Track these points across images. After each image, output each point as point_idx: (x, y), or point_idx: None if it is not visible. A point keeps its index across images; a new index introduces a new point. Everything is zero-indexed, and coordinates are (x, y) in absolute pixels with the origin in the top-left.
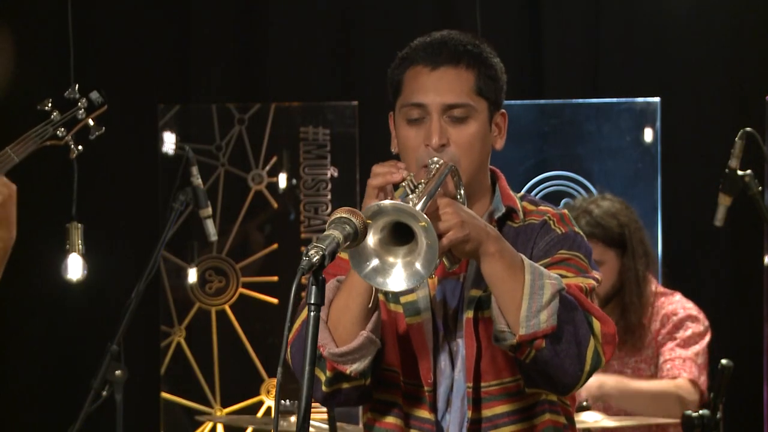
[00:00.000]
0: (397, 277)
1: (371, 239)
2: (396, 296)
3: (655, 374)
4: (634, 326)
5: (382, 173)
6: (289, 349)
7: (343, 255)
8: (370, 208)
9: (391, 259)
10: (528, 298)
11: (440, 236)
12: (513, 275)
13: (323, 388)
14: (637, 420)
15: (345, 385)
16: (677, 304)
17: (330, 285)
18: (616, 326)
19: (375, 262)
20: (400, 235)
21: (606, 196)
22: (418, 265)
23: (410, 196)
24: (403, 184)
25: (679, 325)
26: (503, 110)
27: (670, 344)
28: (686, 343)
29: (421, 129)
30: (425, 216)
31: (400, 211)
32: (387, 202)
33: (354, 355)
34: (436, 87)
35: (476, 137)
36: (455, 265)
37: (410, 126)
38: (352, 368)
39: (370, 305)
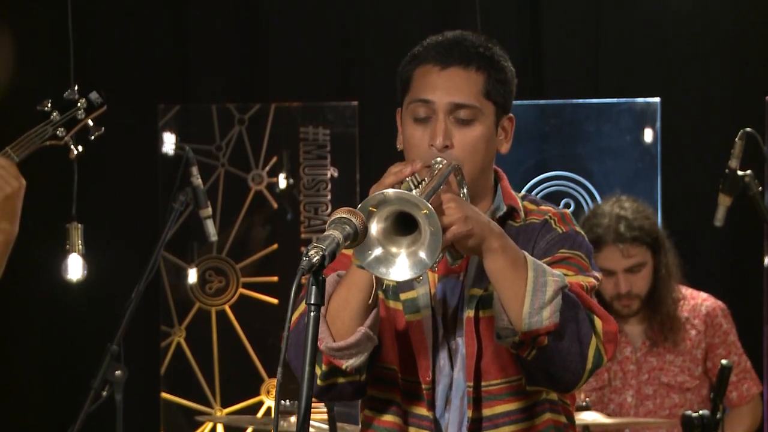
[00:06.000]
0: (400, 267)
1: (374, 228)
2: (396, 293)
3: (704, 374)
4: (673, 318)
5: (394, 172)
6: (285, 341)
7: (345, 249)
8: (374, 198)
9: (394, 249)
10: (531, 294)
11: (443, 231)
12: (516, 272)
13: (318, 381)
14: (636, 419)
15: (340, 380)
16: (711, 301)
17: (330, 279)
18: (652, 323)
19: (378, 251)
20: (404, 226)
21: (622, 197)
22: (422, 254)
23: (413, 192)
24: (407, 179)
25: (723, 325)
26: (511, 114)
27: (725, 351)
28: (737, 347)
29: (426, 128)
30: (428, 204)
31: (404, 200)
32: (391, 191)
33: (351, 350)
34: (445, 86)
35: (481, 140)
36: (458, 261)
37: (416, 124)
38: (348, 363)
39: (369, 301)
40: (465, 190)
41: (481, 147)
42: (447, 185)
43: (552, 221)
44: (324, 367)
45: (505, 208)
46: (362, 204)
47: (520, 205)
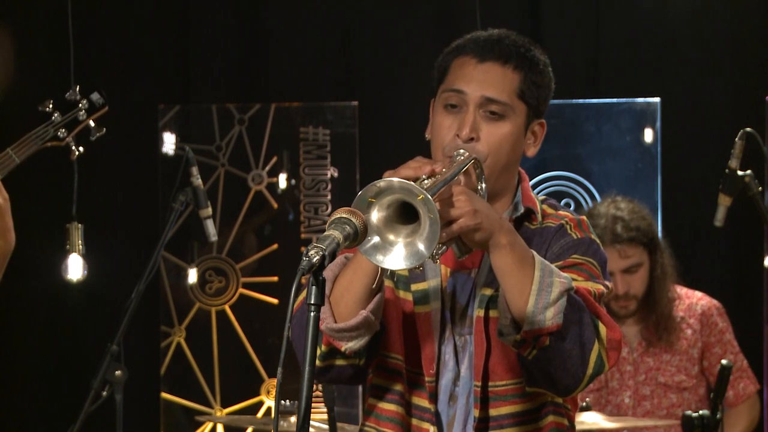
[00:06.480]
0: (396, 256)
1: (375, 215)
2: (407, 284)
3: (701, 373)
4: (668, 318)
5: (413, 167)
6: (287, 333)
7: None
8: (376, 185)
9: (392, 237)
10: (536, 293)
11: (451, 222)
12: (522, 269)
13: (317, 361)
14: (636, 421)
15: (339, 362)
16: (706, 300)
17: (337, 260)
18: (648, 323)
19: (375, 238)
20: (406, 217)
21: (617, 198)
22: (419, 245)
23: (425, 181)
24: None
25: (718, 324)
26: (543, 120)
27: (721, 350)
28: (733, 346)
29: (456, 118)
30: (423, 190)
31: (405, 189)
32: (393, 179)
33: (351, 332)
34: (480, 79)
35: (507, 138)
36: (465, 254)
37: (446, 112)
38: (347, 345)
39: (374, 286)
40: (483, 185)
41: (506, 145)
42: (467, 177)
43: (568, 226)
44: (323, 348)
45: (522, 210)
46: (363, 191)
47: (539, 208)
